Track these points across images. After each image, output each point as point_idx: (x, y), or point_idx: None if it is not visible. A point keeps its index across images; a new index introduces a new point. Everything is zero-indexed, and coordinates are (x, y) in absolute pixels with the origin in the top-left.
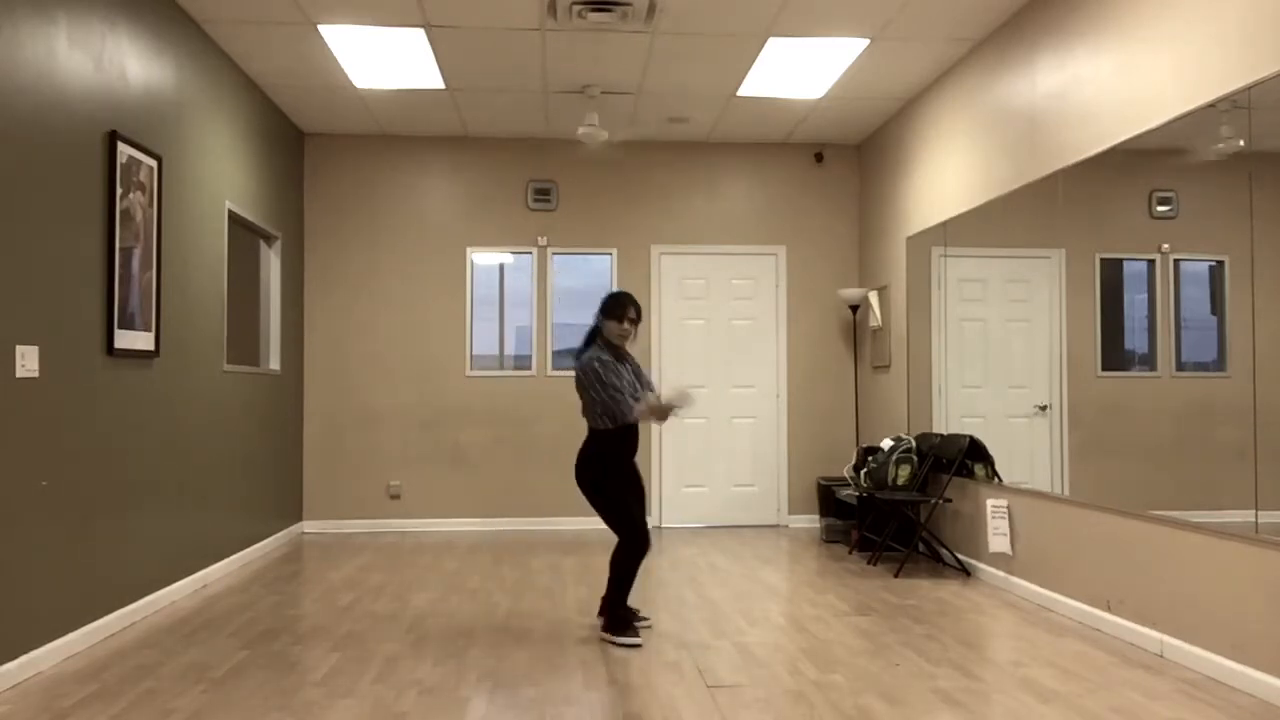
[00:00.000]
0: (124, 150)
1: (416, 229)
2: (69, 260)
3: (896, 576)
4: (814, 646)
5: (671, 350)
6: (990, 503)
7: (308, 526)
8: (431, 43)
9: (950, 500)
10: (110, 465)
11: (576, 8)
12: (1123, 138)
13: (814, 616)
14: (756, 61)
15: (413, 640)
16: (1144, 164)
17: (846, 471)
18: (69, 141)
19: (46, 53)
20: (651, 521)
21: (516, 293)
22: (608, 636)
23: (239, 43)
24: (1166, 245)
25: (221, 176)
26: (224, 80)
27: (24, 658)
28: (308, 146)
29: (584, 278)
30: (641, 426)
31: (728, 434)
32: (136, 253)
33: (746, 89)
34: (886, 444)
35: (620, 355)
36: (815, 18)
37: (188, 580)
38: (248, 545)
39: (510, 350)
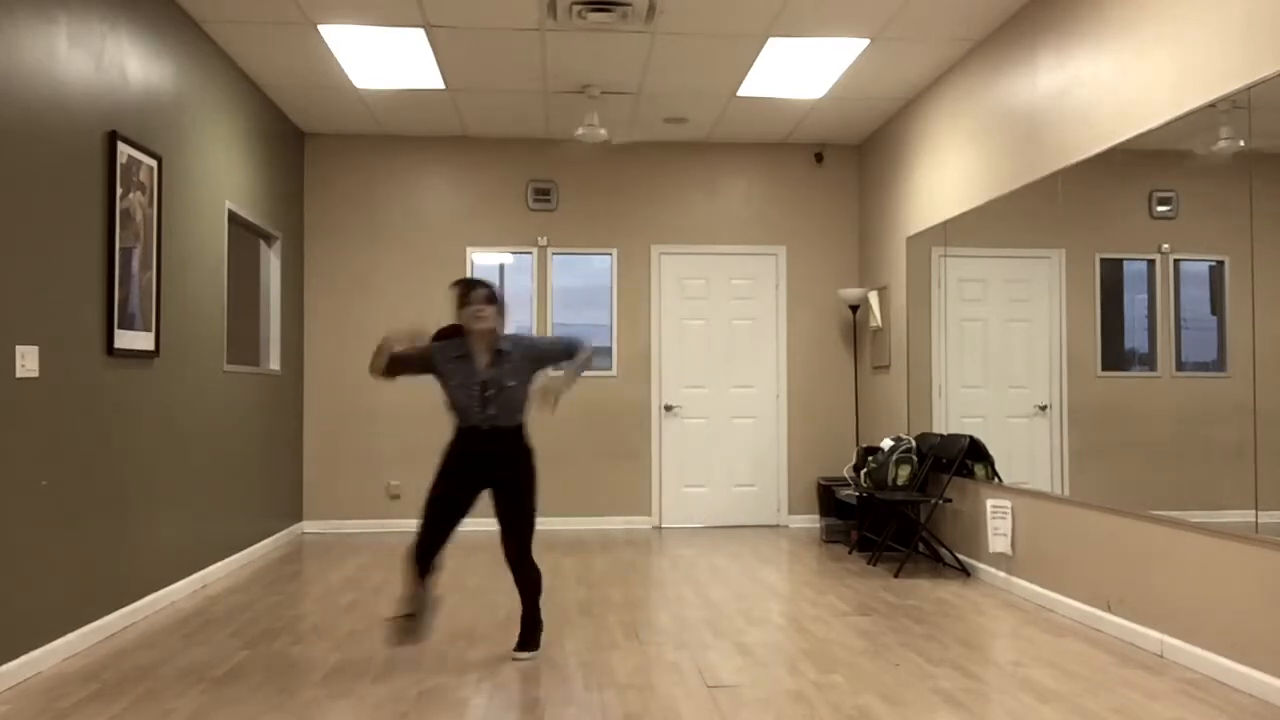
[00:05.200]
0: (124, 150)
1: (416, 229)
2: (69, 260)
3: (896, 576)
4: (814, 647)
5: (671, 350)
6: (990, 503)
7: (308, 526)
8: (431, 43)
9: (950, 500)
10: (110, 465)
11: (576, 8)
12: (1123, 138)
13: (814, 616)
14: (756, 61)
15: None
16: (1144, 164)
17: (846, 471)
18: (69, 141)
19: (46, 53)
20: (651, 522)
21: (516, 293)
22: None
23: (239, 43)
24: (1166, 245)
25: (221, 176)
26: (224, 80)
27: (24, 658)
28: (308, 146)
29: (584, 278)
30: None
31: (728, 434)
32: (136, 253)
33: (746, 89)
34: (886, 444)
35: (468, 354)
36: (815, 18)
37: (188, 580)
38: (248, 545)
39: None
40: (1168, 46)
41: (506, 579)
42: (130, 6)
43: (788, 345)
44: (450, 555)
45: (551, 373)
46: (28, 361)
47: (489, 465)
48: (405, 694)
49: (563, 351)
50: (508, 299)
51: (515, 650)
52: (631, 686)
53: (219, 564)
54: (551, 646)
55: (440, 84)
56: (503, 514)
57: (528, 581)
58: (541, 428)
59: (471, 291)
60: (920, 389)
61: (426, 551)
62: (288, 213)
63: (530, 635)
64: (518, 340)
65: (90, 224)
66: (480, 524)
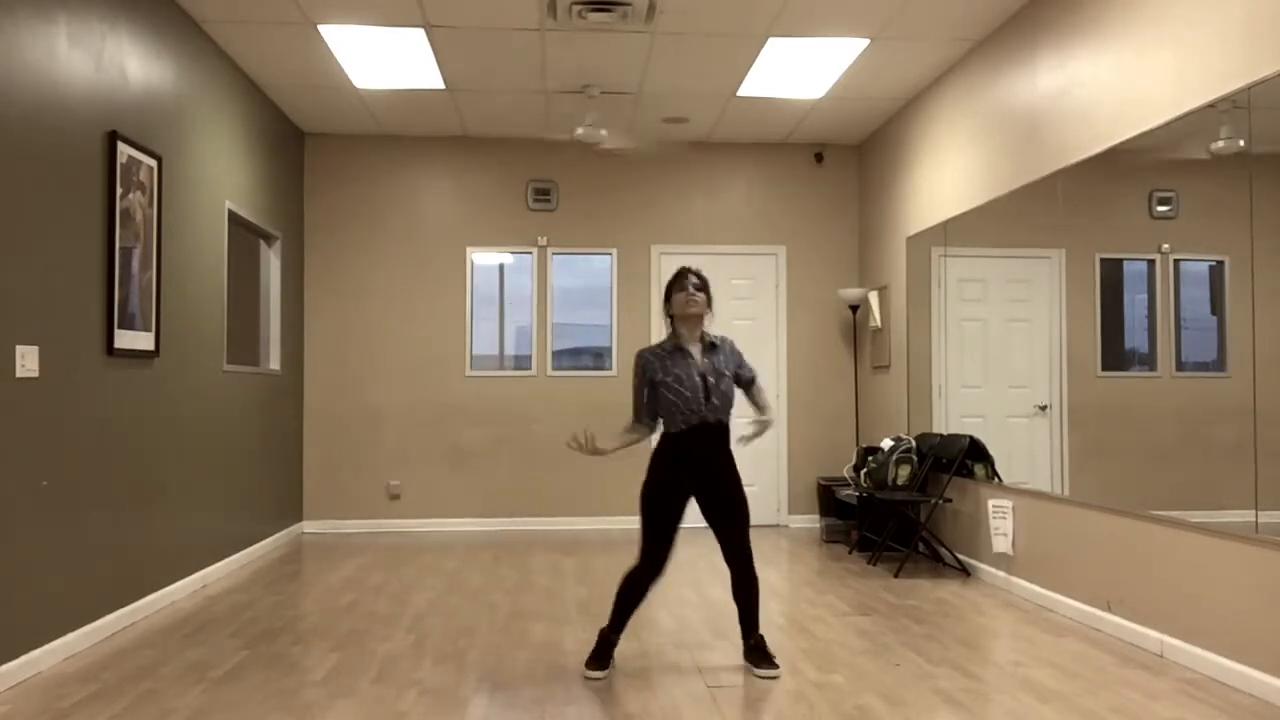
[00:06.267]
0: (124, 150)
1: (417, 229)
2: (69, 260)
3: (896, 576)
4: (814, 646)
5: None
6: (990, 503)
7: (308, 526)
8: (431, 43)
9: (950, 500)
10: (110, 465)
11: (576, 8)
12: (1123, 138)
13: (814, 616)
14: (756, 61)
15: (413, 640)
16: (1144, 164)
17: (846, 471)
18: (69, 141)
19: (46, 53)
20: None
21: (516, 293)
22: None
23: (239, 43)
24: (1166, 245)
25: (221, 176)
26: (224, 80)
27: (24, 658)
28: (308, 146)
29: (584, 278)
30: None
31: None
32: (136, 253)
33: (746, 89)
34: (886, 444)
35: (681, 348)
36: (815, 18)
37: (188, 580)
38: (248, 545)
39: (510, 350)
40: (1168, 46)
41: (506, 579)
42: (130, 6)
43: (788, 345)
44: (453, 555)
45: (745, 423)
46: (28, 361)
47: (708, 465)
48: (405, 694)
49: (749, 379)
50: (508, 298)
51: (759, 668)
52: (631, 686)
53: (219, 564)
54: (551, 647)
55: (440, 84)
56: (726, 515)
57: (756, 584)
58: (542, 427)
59: (685, 277)
60: (920, 389)
61: (654, 577)
62: (288, 213)
63: (765, 649)
64: (724, 339)
65: (90, 224)
66: (480, 523)
